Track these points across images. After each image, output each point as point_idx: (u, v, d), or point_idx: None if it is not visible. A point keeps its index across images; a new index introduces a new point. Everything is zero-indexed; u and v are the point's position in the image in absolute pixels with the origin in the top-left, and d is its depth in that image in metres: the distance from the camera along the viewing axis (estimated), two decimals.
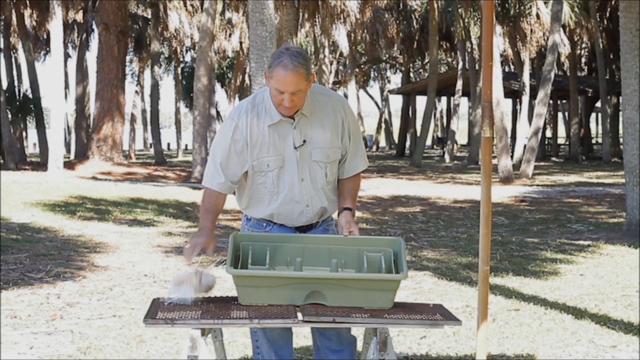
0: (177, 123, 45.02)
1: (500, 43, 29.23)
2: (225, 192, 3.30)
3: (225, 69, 45.87)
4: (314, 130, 3.26)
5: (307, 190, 3.30)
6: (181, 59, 42.53)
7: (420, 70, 50.41)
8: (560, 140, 42.85)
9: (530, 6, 26.23)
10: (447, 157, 32.43)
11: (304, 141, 3.25)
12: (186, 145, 53.95)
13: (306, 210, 3.33)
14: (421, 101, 33.75)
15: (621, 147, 25.37)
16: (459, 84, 31.66)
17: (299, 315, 2.94)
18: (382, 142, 53.76)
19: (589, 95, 34.92)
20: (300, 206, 3.31)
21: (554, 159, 33.51)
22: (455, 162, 31.47)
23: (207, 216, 3.27)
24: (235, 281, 3.00)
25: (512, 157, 24.49)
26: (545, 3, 26.42)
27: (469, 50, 30.73)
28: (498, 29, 26.74)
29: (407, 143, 38.47)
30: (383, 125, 50.99)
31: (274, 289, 2.98)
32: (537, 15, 26.03)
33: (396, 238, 3.24)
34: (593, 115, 43.23)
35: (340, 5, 25.38)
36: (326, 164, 3.30)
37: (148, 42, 34.00)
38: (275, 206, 3.31)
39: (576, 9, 26.70)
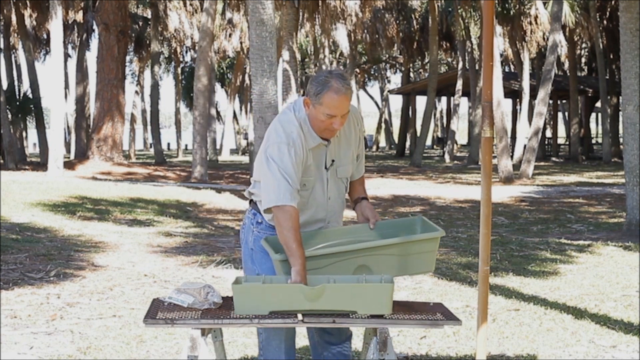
0: (177, 123, 45.03)
1: (500, 43, 29.23)
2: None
3: (225, 69, 45.91)
4: (342, 148, 3.33)
5: (332, 208, 3.36)
6: (181, 59, 42.53)
7: (420, 70, 50.42)
8: (560, 140, 42.84)
9: (530, 6, 26.23)
10: (447, 157, 32.42)
11: (333, 161, 3.30)
12: (186, 145, 53.96)
13: (325, 226, 3.39)
14: (421, 101, 33.77)
15: (621, 147, 25.37)
16: (459, 84, 31.66)
17: (299, 315, 2.94)
18: (382, 142, 53.78)
19: (589, 95, 34.91)
20: (322, 223, 3.37)
21: (554, 159, 33.50)
22: (455, 162, 31.46)
23: (298, 238, 3.07)
24: (278, 267, 3.09)
25: (512, 157, 24.49)
26: (545, 3, 26.42)
27: (469, 50, 30.73)
28: (498, 29, 26.74)
29: (407, 143, 38.47)
30: (383, 125, 51.01)
31: (321, 270, 3.06)
32: (536, 16, 26.04)
33: (416, 217, 3.37)
34: (593, 115, 43.21)
35: (340, 5, 25.38)
36: (347, 179, 3.39)
37: (148, 42, 34.00)
38: (300, 221, 3.25)
39: (576, 9, 26.70)
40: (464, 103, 41.07)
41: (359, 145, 3.43)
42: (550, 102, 32.75)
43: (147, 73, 39.89)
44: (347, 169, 3.35)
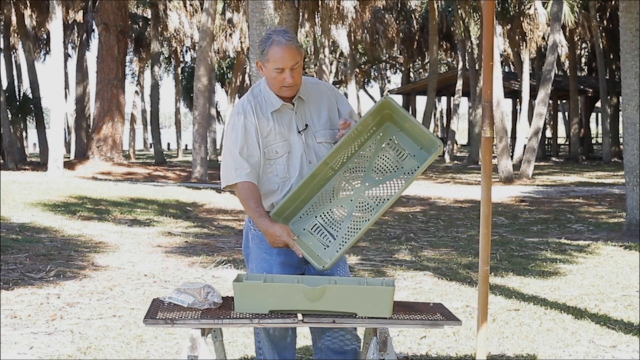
0: (177, 123, 45.02)
1: (500, 43, 29.22)
2: (255, 181, 3.24)
3: (225, 69, 45.87)
4: (313, 113, 3.34)
5: None
6: (181, 59, 42.52)
7: (420, 70, 50.41)
8: (560, 140, 42.84)
9: (530, 6, 26.22)
10: (447, 157, 32.41)
11: (306, 125, 3.32)
12: (186, 145, 53.96)
13: None
14: (421, 101, 33.79)
15: (621, 147, 25.36)
16: (459, 84, 31.64)
17: (299, 315, 2.94)
18: None
19: (589, 95, 34.91)
20: None
21: (554, 159, 33.50)
22: (455, 162, 31.46)
23: (259, 210, 3.19)
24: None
25: (512, 157, 24.48)
26: (544, 3, 26.41)
27: (469, 50, 30.72)
28: (498, 29, 26.73)
29: None
30: None
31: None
32: (534, 16, 26.04)
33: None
34: (593, 115, 43.21)
35: (338, 5, 25.37)
36: (331, 144, 3.35)
37: (148, 42, 34.01)
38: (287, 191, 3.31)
39: (576, 9, 26.69)
40: (464, 103, 41.06)
41: (344, 114, 3.39)
42: (550, 102, 32.75)
43: (147, 73, 39.88)
44: (328, 133, 3.34)
